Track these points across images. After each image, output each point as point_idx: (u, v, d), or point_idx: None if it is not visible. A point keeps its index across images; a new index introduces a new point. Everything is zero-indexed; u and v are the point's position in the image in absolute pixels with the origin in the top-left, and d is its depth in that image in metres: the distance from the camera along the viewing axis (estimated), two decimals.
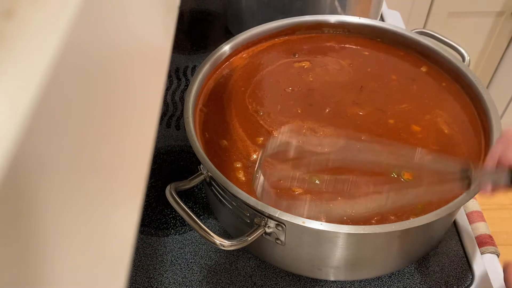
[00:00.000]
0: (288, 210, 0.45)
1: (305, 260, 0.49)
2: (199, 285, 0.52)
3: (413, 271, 0.54)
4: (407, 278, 0.53)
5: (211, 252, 0.55)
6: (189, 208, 0.46)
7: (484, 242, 0.58)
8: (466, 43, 1.32)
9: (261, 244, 0.49)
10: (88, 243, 0.16)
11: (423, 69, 0.62)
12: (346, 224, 0.45)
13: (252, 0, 0.75)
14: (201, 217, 0.59)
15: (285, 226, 0.44)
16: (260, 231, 0.45)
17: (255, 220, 0.45)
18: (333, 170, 0.50)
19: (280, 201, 0.47)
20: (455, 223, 0.59)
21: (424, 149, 0.52)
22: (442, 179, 0.49)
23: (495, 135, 0.50)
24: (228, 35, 0.83)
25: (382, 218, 0.46)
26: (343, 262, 0.48)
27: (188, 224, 0.58)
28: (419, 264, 0.54)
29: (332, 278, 0.51)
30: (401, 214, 0.46)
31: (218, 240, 0.44)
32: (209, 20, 0.90)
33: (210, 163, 0.47)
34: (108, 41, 0.18)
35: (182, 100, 0.74)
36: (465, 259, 0.55)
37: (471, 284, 0.53)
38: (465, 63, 0.59)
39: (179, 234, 0.57)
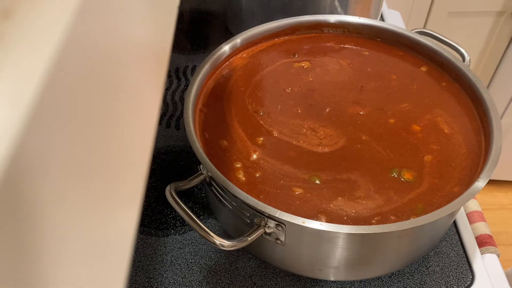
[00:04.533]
0: (288, 210, 0.45)
1: (305, 260, 0.49)
2: (199, 285, 0.52)
3: (413, 271, 0.54)
4: (407, 278, 0.53)
5: (211, 252, 0.55)
6: (189, 208, 0.46)
7: (484, 242, 0.58)
8: (466, 43, 1.32)
9: (261, 244, 0.49)
10: (87, 243, 0.16)
11: (423, 69, 0.62)
12: (346, 224, 0.45)
13: (252, 0, 0.75)
14: (201, 217, 0.59)
15: (285, 226, 0.44)
16: (260, 231, 0.45)
17: (255, 220, 0.45)
18: (333, 170, 0.50)
19: (280, 201, 0.47)
20: (455, 223, 0.59)
21: (425, 148, 0.52)
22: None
23: (495, 135, 0.50)
24: (228, 35, 0.83)
25: (382, 218, 0.46)
26: (343, 262, 0.48)
27: (188, 224, 0.58)
28: (419, 264, 0.54)
29: (332, 278, 0.51)
30: (401, 214, 0.46)
31: (218, 240, 0.44)
32: (209, 20, 0.90)
33: (210, 163, 0.47)
34: (107, 41, 0.18)
35: (182, 100, 0.74)
36: (465, 259, 0.55)
37: (471, 284, 0.53)
38: (465, 63, 0.59)
39: (179, 234, 0.57)
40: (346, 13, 0.75)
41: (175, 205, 0.46)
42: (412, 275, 0.53)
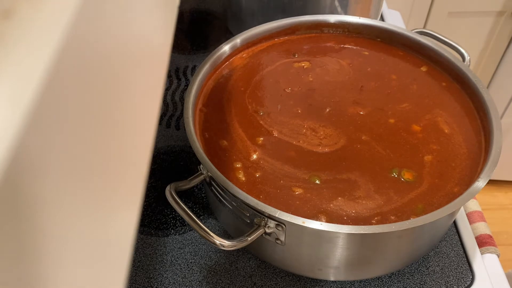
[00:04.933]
0: (288, 210, 0.45)
1: (305, 260, 0.49)
2: (199, 285, 0.52)
3: (413, 271, 0.54)
4: (407, 278, 0.53)
5: (211, 252, 0.55)
6: (189, 208, 0.46)
7: (484, 242, 0.58)
8: (466, 43, 1.32)
9: (261, 244, 0.49)
10: (87, 243, 0.16)
11: (423, 69, 0.62)
12: (346, 224, 0.45)
13: (252, 0, 0.75)
14: (201, 217, 0.59)
15: (285, 226, 0.44)
16: (260, 231, 0.45)
17: (255, 220, 0.45)
18: (333, 170, 0.50)
19: (280, 201, 0.47)
20: (455, 223, 0.59)
21: (425, 148, 0.52)
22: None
23: (495, 135, 0.50)
24: (228, 35, 0.83)
25: (382, 218, 0.46)
26: (343, 262, 0.48)
27: (188, 224, 0.58)
28: (419, 264, 0.54)
29: (332, 278, 0.51)
30: (401, 214, 0.46)
31: (218, 240, 0.44)
32: (209, 20, 0.90)
33: (210, 163, 0.46)
34: (107, 41, 0.18)
35: (182, 100, 0.74)
36: (465, 259, 0.55)
37: (471, 284, 0.53)
38: (465, 63, 0.59)
39: (179, 234, 0.57)
40: (346, 13, 0.75)
41: (175, 205, 0.46)
42: (412, 275, 0.53)
